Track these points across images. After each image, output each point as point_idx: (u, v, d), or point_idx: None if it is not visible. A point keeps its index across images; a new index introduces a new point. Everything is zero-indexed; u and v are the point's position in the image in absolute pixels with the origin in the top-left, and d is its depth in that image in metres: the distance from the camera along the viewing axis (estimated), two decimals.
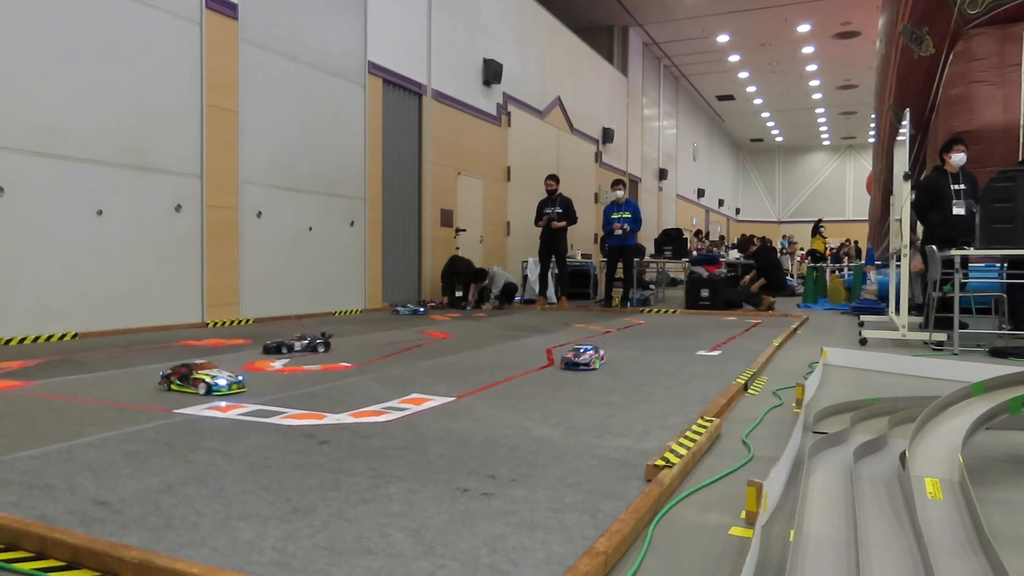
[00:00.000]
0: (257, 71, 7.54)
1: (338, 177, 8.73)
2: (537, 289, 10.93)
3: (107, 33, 6.07)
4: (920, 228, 6.89)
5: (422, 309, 8.88)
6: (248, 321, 7.35)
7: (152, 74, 6.45)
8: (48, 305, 5.66)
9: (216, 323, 6.99)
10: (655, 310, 9.72)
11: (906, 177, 5.92)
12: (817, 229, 18.94)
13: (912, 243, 6.92)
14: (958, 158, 6.29)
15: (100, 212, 6.03)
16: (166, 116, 6.59)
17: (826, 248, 19.24)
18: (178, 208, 6.70)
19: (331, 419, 2.92)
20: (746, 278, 10.43)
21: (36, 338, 5.52)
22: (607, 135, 17.41)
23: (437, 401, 3.32)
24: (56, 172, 5.72)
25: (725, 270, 10.57)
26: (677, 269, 16.20)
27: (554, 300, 10.76)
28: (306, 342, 5.02)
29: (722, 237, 26.70)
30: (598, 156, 17.00)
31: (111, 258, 6.14)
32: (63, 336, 5.70)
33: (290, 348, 4.96)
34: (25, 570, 1.52)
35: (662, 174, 22.55)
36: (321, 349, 5.06)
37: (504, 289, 10.26)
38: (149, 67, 6.42)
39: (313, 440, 2.59)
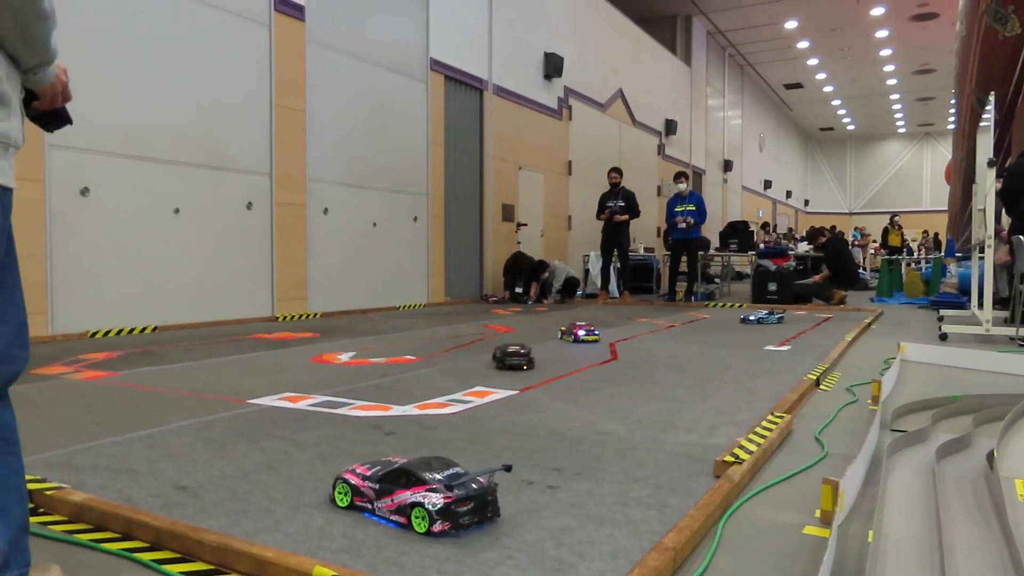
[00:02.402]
0: (323, 71, 7.70)
1: (401, 173, 8.85)
2: (599, 283, 10.86)
3: (181, 38, 6.30)
4: (1004, 218, 6.53)
5: (778, 316, 7.14)
6: (316, 315, 7.53)
7: (224, 76, 6.67)
8: (129, 299, 5.93)
9: (286, 317, 7.20)
10: (720, 304, 9.52)
11: (990, 164, 5.62)
12: (891, 225, 18.25)
13: (996, 234, 6.57)
14: None
15: (177, 210, 6.28)
16: (237, 117, 6.80)
17: (903, 241, 18.47)
18: (249, 206, 6.92)
19: (397, 411, 2.97)
20: (818, 276, 10.08)
21: (119, 331, 5.78)
22: (670, 127, 17.13)
23: (501, 394, 3.33)
24: (137, 173, 5.98)
25: (794, 263, 10.26)
26: (743, 263, 15.85)
27: (616, 294, 10.67)
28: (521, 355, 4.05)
29: (790, 229, 25.93)
30: (661, 148, 16.75)
31: (187, 255, 6.38)
32: (143, 329, 5.96)
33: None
34: (112, 550, 1.60)
35: (727, 165, 22.06)
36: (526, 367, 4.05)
37: (565, 283, 10.24)
38: (221, 69, 6.64)
39: (380, 431, 2.64)
